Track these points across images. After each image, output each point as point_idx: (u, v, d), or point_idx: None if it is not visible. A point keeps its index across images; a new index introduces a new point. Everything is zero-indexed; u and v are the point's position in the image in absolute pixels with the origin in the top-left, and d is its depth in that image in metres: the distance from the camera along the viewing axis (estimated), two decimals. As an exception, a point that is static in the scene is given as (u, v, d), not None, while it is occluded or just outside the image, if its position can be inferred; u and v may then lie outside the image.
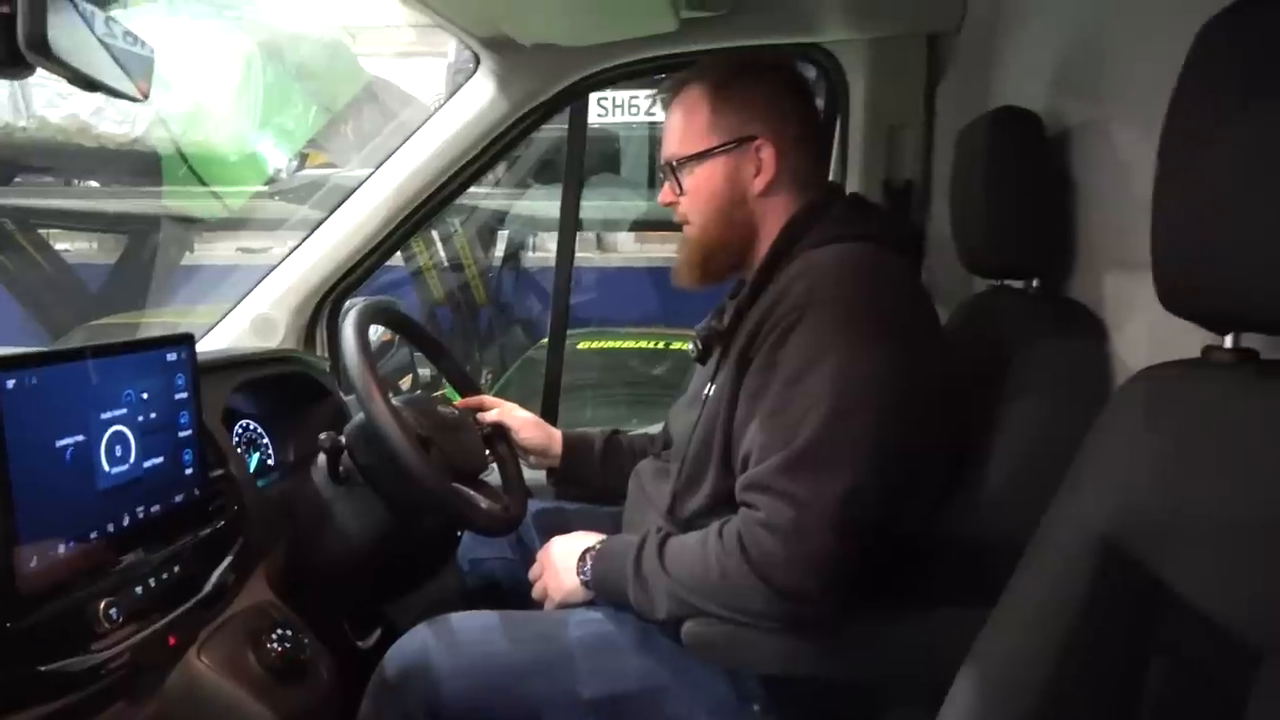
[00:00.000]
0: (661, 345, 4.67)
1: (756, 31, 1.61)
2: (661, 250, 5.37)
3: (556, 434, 1.50)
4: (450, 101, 1.76)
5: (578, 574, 1.19)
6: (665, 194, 1.22)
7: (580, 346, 4.68)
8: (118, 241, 5.33)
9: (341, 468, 1.32)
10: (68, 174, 5.21)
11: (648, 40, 1.59)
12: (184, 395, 1.08)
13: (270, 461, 1.55)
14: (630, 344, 4.46)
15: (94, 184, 5.24)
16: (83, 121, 4.54)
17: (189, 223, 4.92)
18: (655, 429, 1.53)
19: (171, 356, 1.06)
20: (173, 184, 4.68)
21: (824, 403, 1.00)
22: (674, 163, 1.18)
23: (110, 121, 4.54)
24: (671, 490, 1.17)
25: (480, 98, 1.71)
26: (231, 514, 1.16)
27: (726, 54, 1.34)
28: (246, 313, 1.81)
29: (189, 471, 1.09)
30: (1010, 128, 1.21)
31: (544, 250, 6.59)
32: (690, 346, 1.30)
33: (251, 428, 1.54)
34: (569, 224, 1.97)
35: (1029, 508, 1.09)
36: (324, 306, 1.87)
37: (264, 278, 1.84)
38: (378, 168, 1.80)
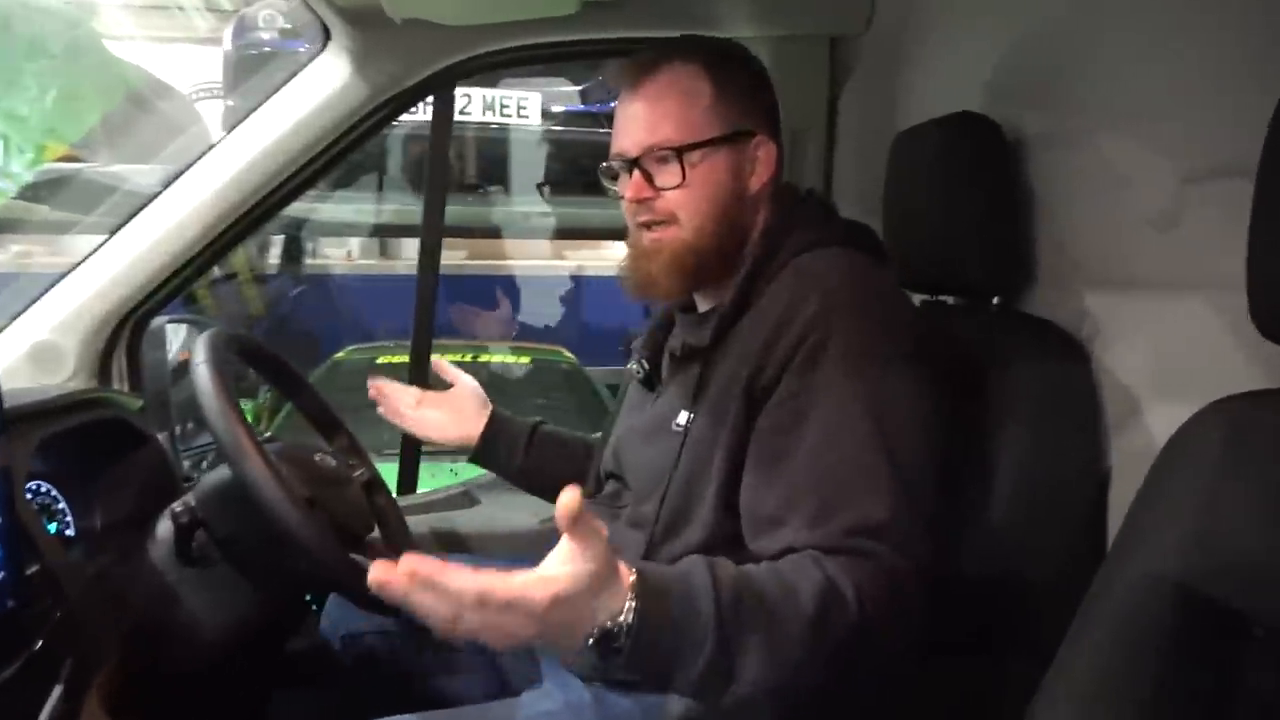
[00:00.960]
0: (469, 358, 4.43)
1: (655, 22, 1.46)
2: (448, 258, 5.12)
3: (486, 411, 1.35)
4: (287, 86, 1.47)
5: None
6: (638, 187, 1.00)
7: (380, 361, 4.35)
8: None
9: (195, 543, 1.05)
10: None
11: (537, 24, 1.40)
12: (-10, 470, 0.77)
13: (69, 532, 1.21)
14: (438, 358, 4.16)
15: None
16: None
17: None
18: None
19: (-28, 417, 0.76)
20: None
21: (877, 436, 0.87)
22: (674, 149, 0.98)
23: None
24: (646, 538, 0.97)
25: (329, 82, 1.44)
26: (55, 625, 0.86)
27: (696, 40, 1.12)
28: (20, 338, 1.43)
29: (-1, 576, 0.79)
30: (966, 134, 1.13)
31: (322, 257, 6.15)
32: (634, 367, 1.12)
33: (43, 490, 1.20)
34: (434, 228, 1.74)
35: (1027, 541, 1.02)
36: (122, 330, 1.52)
37: (41, 296, 1.46)
38: (192, 163, 1.48)
